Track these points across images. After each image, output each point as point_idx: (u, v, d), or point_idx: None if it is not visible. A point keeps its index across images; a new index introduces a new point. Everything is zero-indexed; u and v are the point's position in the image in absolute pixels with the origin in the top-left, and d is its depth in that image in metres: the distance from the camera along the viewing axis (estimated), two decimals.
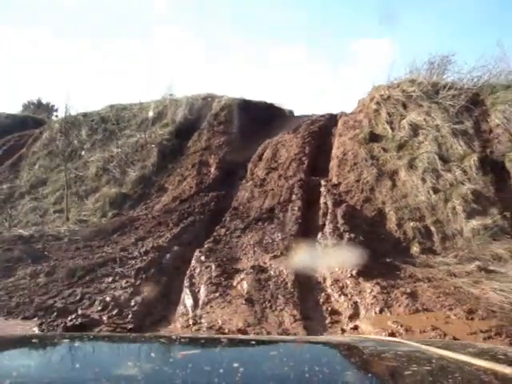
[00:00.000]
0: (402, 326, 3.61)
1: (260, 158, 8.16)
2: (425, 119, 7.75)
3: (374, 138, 7.80)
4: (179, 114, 10.52)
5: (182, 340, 1.53)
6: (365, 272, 4.50)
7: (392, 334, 3.45)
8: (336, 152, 7.82)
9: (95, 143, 10.19)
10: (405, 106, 8.22)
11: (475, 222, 5.94)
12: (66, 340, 1.43)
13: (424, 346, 1.34)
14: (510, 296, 4.07)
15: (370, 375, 1.11)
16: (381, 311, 3.86)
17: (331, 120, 9.82)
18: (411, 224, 6.05)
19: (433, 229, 6.00)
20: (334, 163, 7.58)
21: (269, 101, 11.21)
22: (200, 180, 8.07)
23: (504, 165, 6.97)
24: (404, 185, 6.72)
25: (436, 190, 6.51)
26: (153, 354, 1.19)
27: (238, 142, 9.07)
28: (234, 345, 1.43)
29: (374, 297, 4.01)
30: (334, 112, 10.53)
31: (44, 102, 17.80)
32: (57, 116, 14.03)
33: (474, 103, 8.16)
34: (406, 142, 7.51)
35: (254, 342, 1.51)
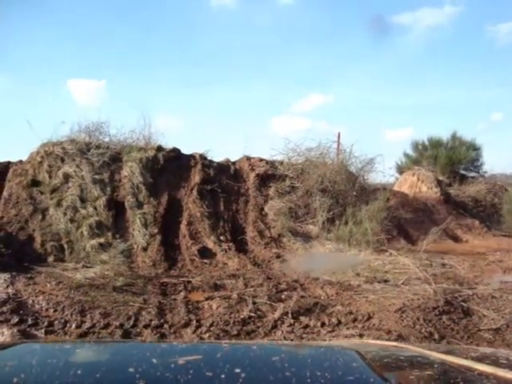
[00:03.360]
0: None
1: None
2: (75, 171, 10.68)
3: (35, 183, 10.44)
4: None
5: (184, 346, 1.61)
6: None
7: None
8: (4, 194, 10.26)
9: None
10: (62, 160, 11.01)
11: (94, 241, 9.12)
12: (66, 346, 1.51)
13: (426, 351, 1.41)
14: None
15: (372, 380, 1.11)
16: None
17: (8, 167, 12.09)
18: (51, 243, 8.93)
19: (66, 246, 8.98)
20: (1, 202, 10.01)
21: None
22: None
23: (124, 203, 10.44)
24: (51, 218, 9.53)
25: (72, 221, 9.50)
26: (154, 360, 1.18)
27: None
28: (235, 350, 1.46)
29: (4, 280, 6.71)
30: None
31: None
32: None
33: (114, 159, 11.38)
34: (59, 187, 10.32)
35: (255, 348, 1.52)
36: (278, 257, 8.92)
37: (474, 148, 18.70)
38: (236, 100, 36.02)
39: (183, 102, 33.96)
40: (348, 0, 35.12)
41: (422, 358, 1.35)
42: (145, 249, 9.24)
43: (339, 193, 11.42)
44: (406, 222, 12.59)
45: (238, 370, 1.07)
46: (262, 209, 11.23)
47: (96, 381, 1.04)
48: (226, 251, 9.40)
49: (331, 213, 10.73)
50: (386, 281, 7.06)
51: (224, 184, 11.63)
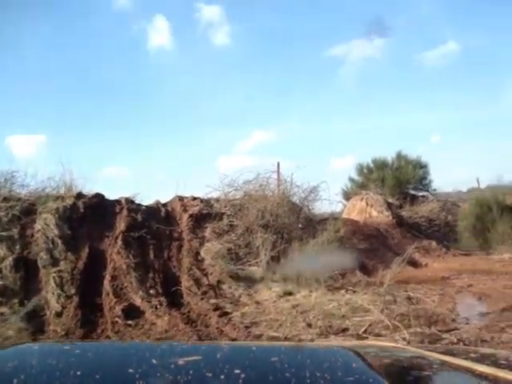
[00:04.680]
0: None
1: None
2: None
3: None
4: None
5: (184, 346, 1.59)
6: None
7: None
8: None
9: None
10: None
11: None
12: (66, 347, 1.50)
13: (426, 352, 1.38)
14: None
15: (371, 381, 1.10)
16: None
17: None
18: None
19: None
20: None
21: None
22: None
23: (37, 261, 8.97)
24: None
25: None
26: (154, 361, 1.18)
27: None
28: (235, 351, 1.45)
29: None
30: None
31: None
32: None
33: (27, 212, 9.99)
34: None
35: (255, 348, 1.51)
36: (216, 309, 7.64)
37: (420, 166, 18.06)
38: (183, 145, 34.79)
39: (128, 151, 32.46)
40: (282, 36, 34.51)
41: (422, 359, 1.31)
42: (59, 314, 7.78)
43: (283, 227, 10.32)
44: (359, 251, 11.58)
45: (237, 371, 1.05)
46: (198, 253, 9.99)
47: (96, 381, 1.03)
48: (156, 308, 8.02)
49: (275, 250, 9.59)
50: (344, 330, 5.91)
51: (154, 229, 10.36)
